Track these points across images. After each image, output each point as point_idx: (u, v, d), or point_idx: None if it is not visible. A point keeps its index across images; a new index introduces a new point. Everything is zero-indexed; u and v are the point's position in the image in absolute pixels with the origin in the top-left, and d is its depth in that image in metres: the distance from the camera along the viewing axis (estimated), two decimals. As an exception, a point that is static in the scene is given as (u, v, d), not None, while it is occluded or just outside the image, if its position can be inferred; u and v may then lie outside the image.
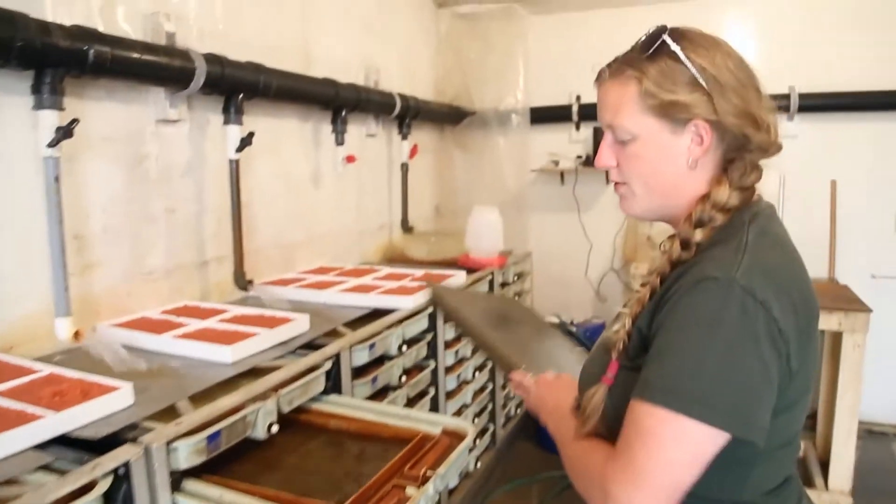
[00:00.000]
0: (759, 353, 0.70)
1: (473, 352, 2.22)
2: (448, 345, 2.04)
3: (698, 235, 0.79)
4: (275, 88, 1.85)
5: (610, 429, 0.78)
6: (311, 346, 1.42)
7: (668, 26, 0.81)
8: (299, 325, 1.48)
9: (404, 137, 2.73)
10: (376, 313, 1.70)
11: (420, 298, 1.82)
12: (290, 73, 1.98)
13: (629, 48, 0.83)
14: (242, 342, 1.30)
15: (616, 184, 0.85)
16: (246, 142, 1.73)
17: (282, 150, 2.09)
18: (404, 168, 2.77)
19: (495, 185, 3.11)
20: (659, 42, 0.80)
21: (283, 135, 2.09)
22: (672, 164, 0.81)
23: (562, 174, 3.32)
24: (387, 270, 2.17)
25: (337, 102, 2.19)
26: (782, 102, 2.77)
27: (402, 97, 2.61)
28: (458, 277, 2.15)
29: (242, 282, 1.82)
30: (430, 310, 1.89)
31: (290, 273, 2.08)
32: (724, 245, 0.76)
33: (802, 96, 2.77)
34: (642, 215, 0.85)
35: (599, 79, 0.85)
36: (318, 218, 2.28)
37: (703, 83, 0.78)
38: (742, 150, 0.81)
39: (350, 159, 2.29)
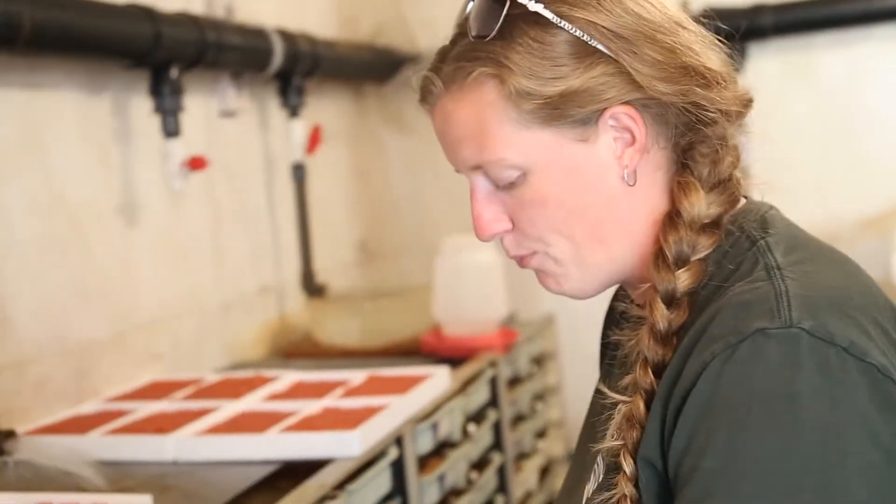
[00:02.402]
0: (874, 435, 0.76)
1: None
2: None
3: (685, 280, 0.87)
4: (29, 28, 1.77)
5: None
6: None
7: None
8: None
9: (294, 113, 2.76)
10: (287, 471, 1.67)
11: (374, 433, 1.79)
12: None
13: (456, 29, 0.93)
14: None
15: (522, 257, 0.95)
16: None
17: (48, 151, 2.04)
18: (299, 173, 2.79)
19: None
20: (506, 7, 0.88)
21: (49, 120, 2.04)
22: (600, 191, 0.91)
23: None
24: (292, 378, 2.14)
25: (159, 52, 2.13)
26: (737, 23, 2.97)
27: (285, 37, 2.61)
28: (438, 379, 2.11)
29: (-10, 437, 1.76)
30: (394, 455, 1.88)
31: (88, 404, 2.03)
32: (739, 280, 0.85)
33: (776, 8, 2.95)
34: (584, 290, 0.96)
35: (426, 98, 0.94)
36: (138, 288, 2.24)
37: (601, 46, 0.87)
38: (698, 127, 0.90)
39: (196, 163, 2.27)
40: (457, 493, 2.12)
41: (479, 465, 2.28)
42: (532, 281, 3.52)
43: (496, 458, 2.37)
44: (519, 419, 2.61)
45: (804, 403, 0.76)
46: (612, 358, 1.01)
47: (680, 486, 0.79)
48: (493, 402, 2.42)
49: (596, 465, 0.91)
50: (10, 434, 1.76)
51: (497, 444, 2.40)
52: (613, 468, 0.86)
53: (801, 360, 0.77)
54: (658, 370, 0.85)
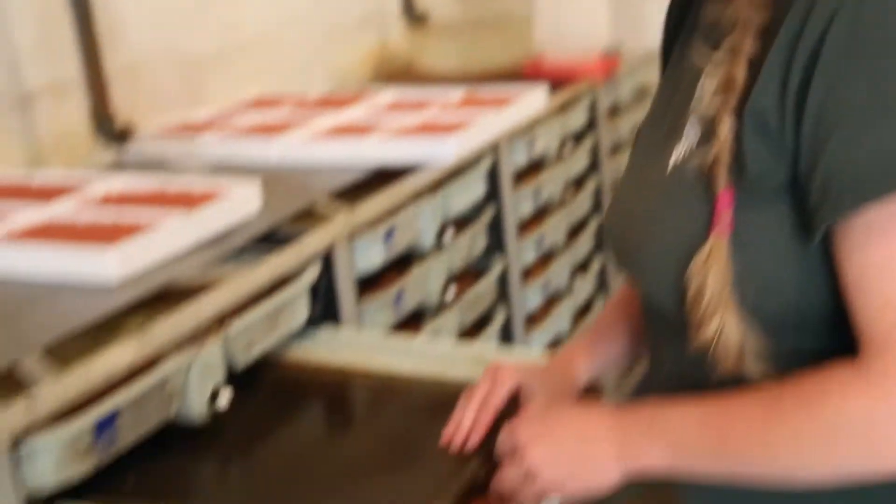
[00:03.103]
0: None
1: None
2: (525, 226, 2.10)
3: None
4: None
5: (761, 315, 0.83)
6: (272, 240, 1.46)
7: None
8: (243, 203, 1.52)
9: None
10: (385, 176, 1.73)
11: (468, 142, 1.83)
12: None
13: None
14: (135, 241, 1.33)
15: None
16: None
17: None
18: None
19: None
20: None
21: None
22: None
23: None
24: (392, 96, 2.19)
25: None
26: None
27: None
28: (535, 97, 2.14)
29: (111, 128, 1.86)
30: (489, 163, 1.93)
31: (200, 110, 2.12)
32: None
33: None
34: None
35: None
36: (241, 8, 2.29)
37: None
38: None
39: None
40: (551, 208, 2.21)
41: (576, 185, 2.35)
42: (637, 14, 3.43)
43: (593, 181, 2.44)
44: (617, 148, 2.64)
45: None
46: (687, 37, 1.00)
47: (826, 131, 0.80)
48: (592, 126, 2.46)
49: (687, 128, 0.93)
50: (128, 130, 1.87)
51: (594, 167, 2.46)
52: (710, 128, 0.87)
53: None
54: (759, 32, 0.86)
